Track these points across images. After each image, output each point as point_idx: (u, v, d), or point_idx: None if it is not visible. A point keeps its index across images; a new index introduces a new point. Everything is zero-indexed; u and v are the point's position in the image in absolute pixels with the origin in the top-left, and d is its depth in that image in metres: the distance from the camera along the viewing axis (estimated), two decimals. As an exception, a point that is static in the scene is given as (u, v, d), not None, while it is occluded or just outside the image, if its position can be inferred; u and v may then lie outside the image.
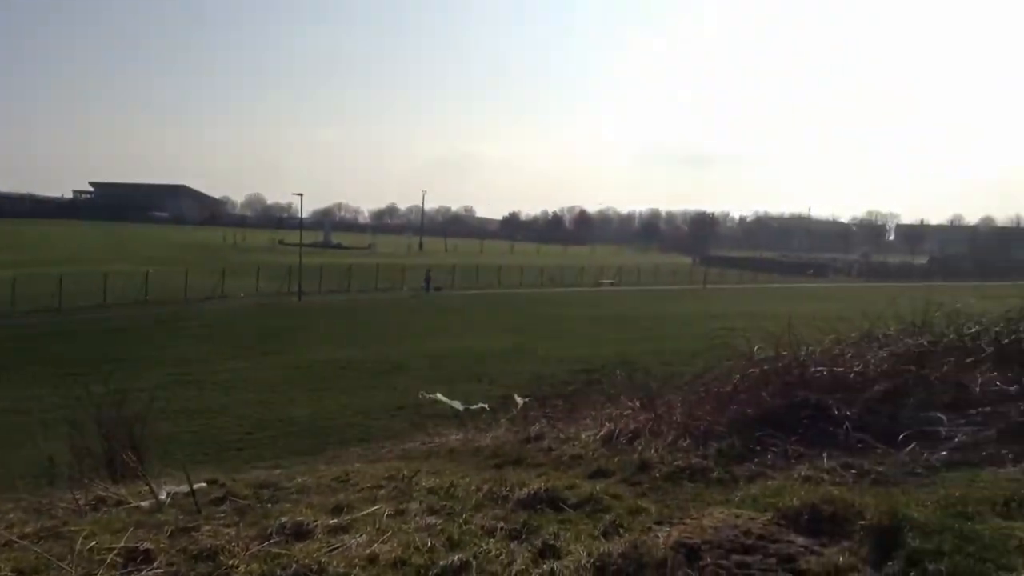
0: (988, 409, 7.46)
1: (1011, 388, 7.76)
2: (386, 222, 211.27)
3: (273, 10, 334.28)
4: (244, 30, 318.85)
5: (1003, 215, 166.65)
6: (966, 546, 3.83)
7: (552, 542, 4.04)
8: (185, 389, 23.00)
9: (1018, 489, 5.00)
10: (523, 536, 4.23)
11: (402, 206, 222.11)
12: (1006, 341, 8.83)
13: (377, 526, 4.47)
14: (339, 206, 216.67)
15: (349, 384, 22.79)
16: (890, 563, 3.75)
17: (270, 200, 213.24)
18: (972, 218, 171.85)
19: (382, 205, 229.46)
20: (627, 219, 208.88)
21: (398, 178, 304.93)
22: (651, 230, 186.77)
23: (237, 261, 68.43)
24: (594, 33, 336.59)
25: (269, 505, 5.31)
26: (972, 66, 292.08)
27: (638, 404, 9.56)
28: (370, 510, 4.85)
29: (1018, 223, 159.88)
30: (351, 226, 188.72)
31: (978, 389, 7.86)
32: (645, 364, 16.22)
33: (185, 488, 5.39)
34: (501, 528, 4.32)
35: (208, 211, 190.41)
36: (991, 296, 11.47)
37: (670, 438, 7.56)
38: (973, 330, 9.42)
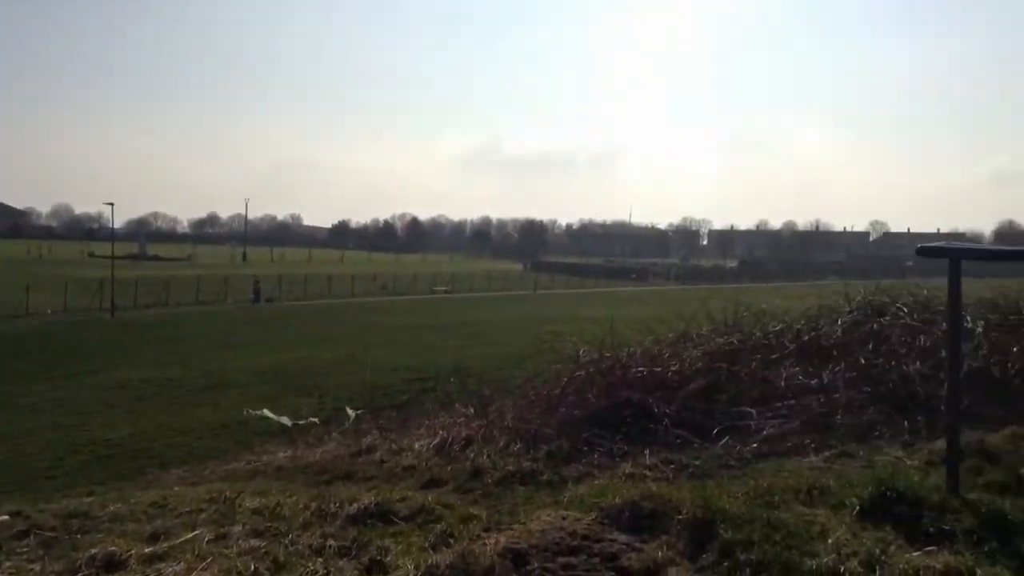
0: (792, 402, 8.02)
1: (812, 382, 8.38)
2: (207, 232, 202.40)
3: (79, 9, 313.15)
4: (43, 29, 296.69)
5: (803, 220, 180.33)
6: (773, 534, 4.10)
7: (380, 557, 4.00)
8: (-13, 414, 21.07)
9: (819, 477, 5.41)
10: (352, 553, 4.16)
11: (224, 215, 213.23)
12: (806, 338, 9.54)
13: (197, 553, 4.26)
14: (155, 215, 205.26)
15: (169, 403, 21.63)
16: (705, 555, 3.95)
17: (79, 210, 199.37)
18: (776, 223, 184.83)
19: (202, 214, 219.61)
20: (459, 226, 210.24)
21: (219, 186, 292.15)
22: (483, 237, 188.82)
23: (43, 275, 63.50)
24: (424, 35, 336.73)
25: (79, 536, 4.97)
26: (771, 79, 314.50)
27: (471, 411, 9.64)
28: (189, 536, 4.63)
29: (817, 227, 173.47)
30: (169, 237, 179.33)
31: (783, 384, 8.44)
32: (479, 370, 16.38)
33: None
34: (330, 546, 4.23)
35: (10, 222, 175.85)
36: (793, 296, 12.37)
37: (502, 443, 7.66)
38: (777, 328, 10.12)
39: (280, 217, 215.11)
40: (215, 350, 30.57)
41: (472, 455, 7.36)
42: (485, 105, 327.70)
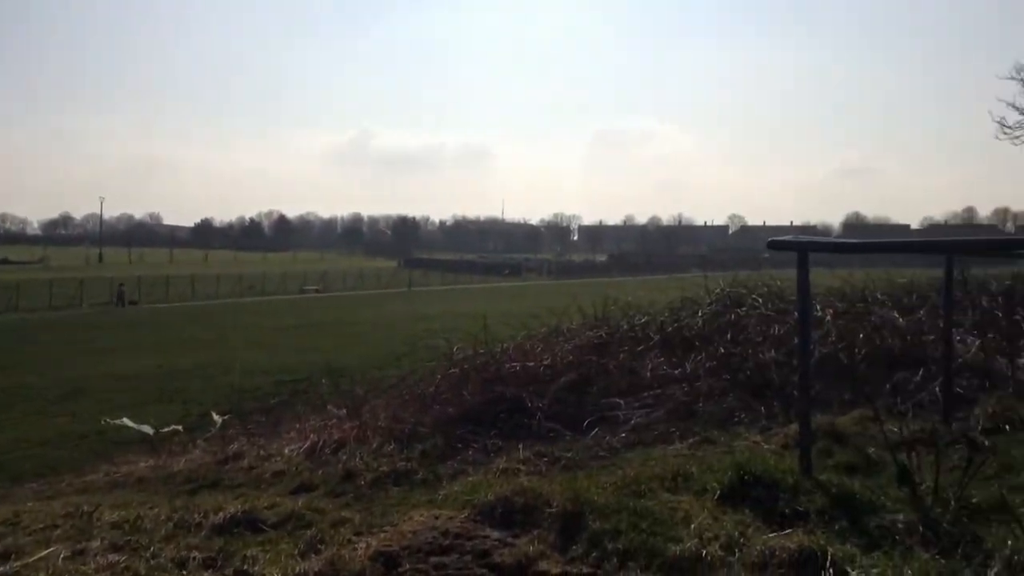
0: (658, 392, 8.30)
1: (676, 372, 8.70)
2: (60, 233, 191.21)
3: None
4: None
5: (667, 215, 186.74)
6: (640, 523, 4.22)
7: (246, 567, 3.90)
8: None
9: (683, 464, 5.61)
10: (218, 564, 4.03)
11: (77, 215, 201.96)
12: (670, 329, 9.90)
13: (51, 571, 4.03)
14: (3, 217, 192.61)
15: (22, 413, 20.26)
16: (575, 547, 4.03)
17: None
18: (642, 218, 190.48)
19: (54, 215, 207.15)
20: (329, 224, 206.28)
21: (71, 185, 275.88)
22: (354, 235, 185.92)
23: None
24: (283, 30, 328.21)
25: (-80, 562, 4.61)
26: (631, 80, 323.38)
27: (344, 412, 9.50)
28: (43, 553, 4.36)
29: (679, 222, 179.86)
30: (17, 238, 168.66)
31: (649, 374, 8.73)
32: (353, 371, 16.11)
33: None
34: (194, 558, 4.09)
35: None
36: (658, 289, 12.80)
37: (376, 444, 7.58)
38: (643, 321, 10.45)
39: (138, 216, 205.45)
40: (73, 357, 28.92)
41: (344, 458, 7.24)
42: (354, 100, 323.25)
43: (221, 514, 4.93)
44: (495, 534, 4.22)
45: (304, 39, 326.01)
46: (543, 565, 3.86)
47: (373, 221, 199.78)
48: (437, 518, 4.42)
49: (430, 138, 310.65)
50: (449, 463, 6.95)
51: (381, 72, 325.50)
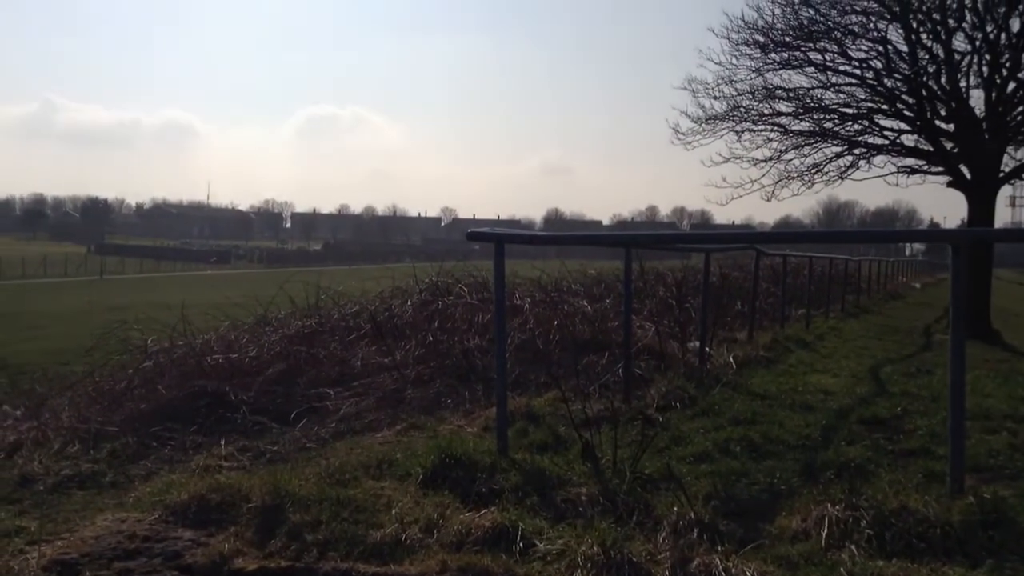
0: (368, 380, 8.37)
1: (386, 360, 8.81)
2: None
3: None
4: None
5: (382, 205, 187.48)
6: (341, 511, 4.25)
7: None
8: None
9: (389, 451, 5.71)
10: None
11: None
12: (381, 318, 10.01)
13: None
14: None
15: None
16: (273, 541, 3.97)
17: None
18: (357, 208, 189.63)
19: None
20: (6, 205, 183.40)
21: None
22: (36, 217, 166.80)
23: None
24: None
25: None
26: (337, 67, 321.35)
27: (20, 412, 8.61)
28: None
29: (394, 212, 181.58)
30: None
31: (360, 363, 8.77)
32: (32, 367, 14.57)
33: None
34: None
35: None
36: (371, 278, 12.83)
37: (57, 445, 6.95)
38: (355, 310, 10.48)
39: None
40: None
41: (20, 461, 6.56)
42: (33, 69, 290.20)
43: None
44: (188, 534, 4.04)
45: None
46: (239, 562, 3.75)
47: (59, 203, 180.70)
48: (124, 521, 4.14)
49: (123, 114, 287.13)
50: (142, 463, 6.52)
51: (68, 38, 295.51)
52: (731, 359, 9.45)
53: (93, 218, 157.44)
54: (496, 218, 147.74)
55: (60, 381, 10.71)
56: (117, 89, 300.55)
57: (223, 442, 6.74)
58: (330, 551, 3.86)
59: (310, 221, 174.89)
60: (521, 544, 3.92)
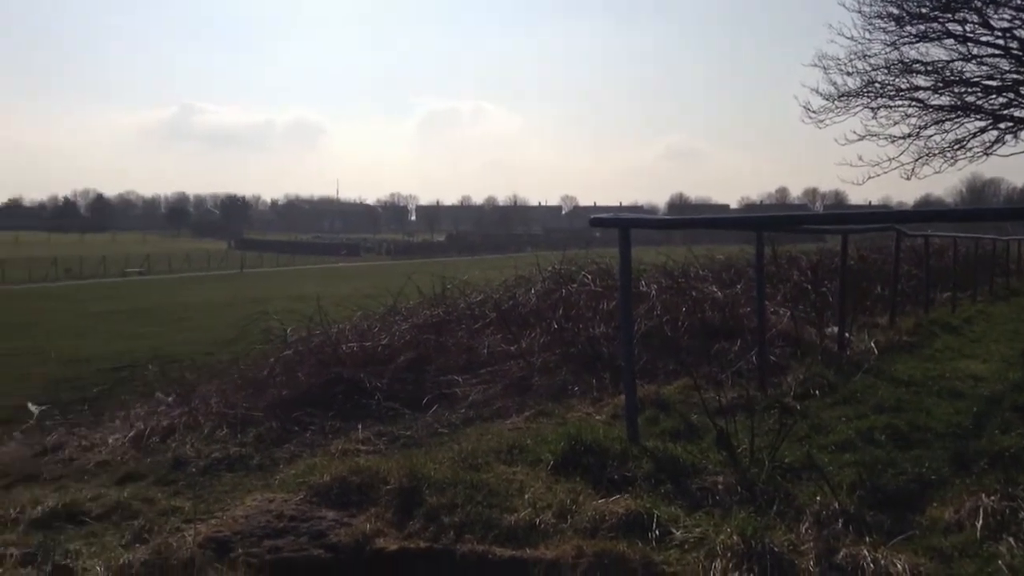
0: (495, 368, 8.47)
1: (512, 348, 8.89)
2: None
3: None
4: None
5: (502, 195, 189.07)
6: (476, 495, 4.32)
7: (66, 561, 3.71)
8: None
9: (519, 437, 5.76)
10: (37, 559, 3.81)
11: None
12: (505, 307, 10.09)
13: None
14: None
15: None
16: (412, 522, 4.08)
17: None
18: (478, 199, 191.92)
19: None
20: (152, 203, 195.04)
21: None
22: (180, 215, 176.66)
23: None
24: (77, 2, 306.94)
25: None
26: (461, 63, 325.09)
27: (172, 399, 9.14)
28: None
29: (515, 202, 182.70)
30: None
31: (486, 351, 8.88)
32: (182, 356, 15.46)
33: None
34: (11, 555, 3.84)
35: None
36: (494, 268, 13.00)
37: (207, 430, 7.35)
38: (479, 299, 10.61)
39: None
40: None
41: (174, 445, 6.97)
42: (174, 75, 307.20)
43: (39, 508, 4.68)
44: (331, 514, 4.20)
45: (119, 10, 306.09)
46: (380, 542, 3.89)
47: (200, 200, 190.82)
48: (271, 501, 4.35)
49: (258, 115, 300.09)
50: (285, 447, 6.83)
51: (202, 46, 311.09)
52: (872, 344, 9.05)
53: (232, 215, 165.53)
54: (618, 205, 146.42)
55: (208, 369, 11.33)
56: (250, 91, 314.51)
57: (359, 427, 6.98)
58: (466, 533, 3.93)
59: (433, 213, 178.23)
60: (657, 532, 3.89)
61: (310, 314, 10.38)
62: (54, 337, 23.89)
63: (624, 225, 5.56)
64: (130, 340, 22.47)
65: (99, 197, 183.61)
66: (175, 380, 10.47)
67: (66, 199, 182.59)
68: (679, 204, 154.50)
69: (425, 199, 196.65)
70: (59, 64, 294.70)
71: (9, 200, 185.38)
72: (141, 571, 3.44)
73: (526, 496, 4.31)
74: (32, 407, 11.07)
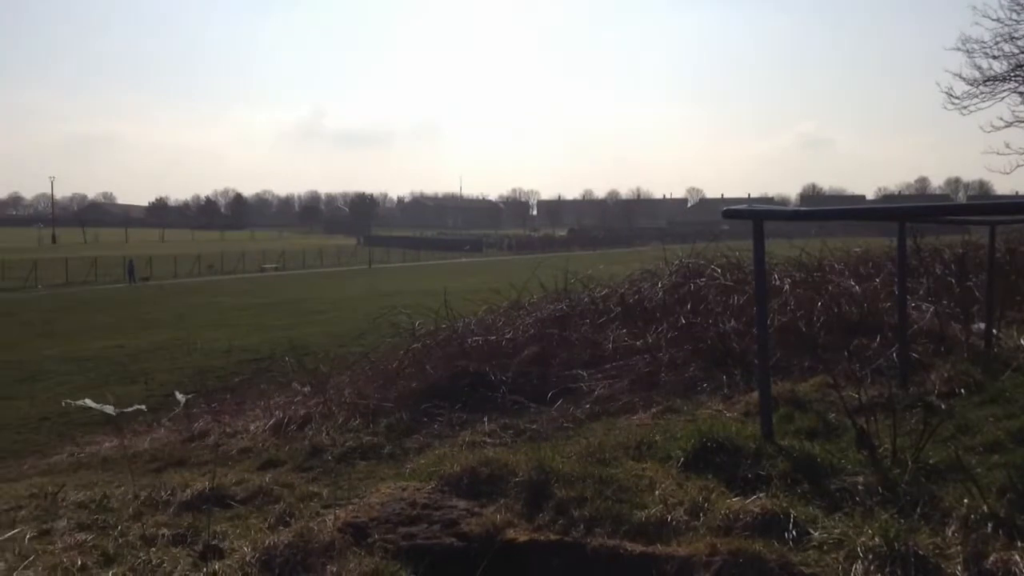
0: (620, 362, 8.38)
1: (637, 343, 8.78)
2: (11, 214, 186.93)
3: None
4: None
5: (625, 189, 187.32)
6: (605, 490, 4.29)
7: (216, 542, 3.90)
8: None
9: (647, 433, 5.68)
10: (187, 540, 4.03)
11: (28, 195, 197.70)
12: (631, 301, 9.98)
13: (17, 552, 4.00)
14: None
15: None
16: (541, 514, 4.09)
17: None
18: (600, 193, 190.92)
19: (2, 195, 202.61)
20: (286, 202, 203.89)
21: (19, 163, 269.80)
22: (312, 212, 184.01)
23: None
24: (235, 7, 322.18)
25: None
26: (580, 54, 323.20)
27: (308, 389, 9.49)
28: (9, 535, 4.32)
29: (638, 196, 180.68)
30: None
31: (611, 345, 8.81)
32: (316, 348, 16.06)
33: None
34: (163, 535, 4.07)
35: None
36: (618, 262, 12.89)
37: (341, 419, 7.59)
38: (604, 293, 10.53)
39: (91, 196, 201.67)
40: (25, 339, 28.38)
41: (311, 433, 7.25)
42: (306, 78, 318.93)
43: (188, 491, 4.92)
44: (462, 504, 4.26)
45: (257, 16, 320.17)
46: (510, 533, 3.91)
47: (331, 199, 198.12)
48: (404, 490, 4.44)
49: (386, 114, 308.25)
50: (415, 437, 6.98)
51: (332, 48, 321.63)
52: (1022, 342, 8.48)
53: (361, 212, 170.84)
54: (747, 196, 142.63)
55: (340, 361, 11.73)
56: (378, 91, 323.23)
57: (485, 419, 7.06)
58: (596, 528, 3.91)
59: (555, 208, 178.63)
60: (794, 532, 3.76)
61: (436, 308, 10.57)
62: (199, 330, 25.26)
63: (758, 216, 5.38)
64: (267, 332, 23.50)
65: (238, 196, 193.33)
66: (310, 371, 10.88)
67: (207, 199, 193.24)
68: (812, 195, 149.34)
69: (547, 194, 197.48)
70: (204, 70, 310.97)
71: (156, 200, 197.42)
72: (285, 553, 3.57)
73: (656, 492, 4.25)
74: (179, 396, 11.73)
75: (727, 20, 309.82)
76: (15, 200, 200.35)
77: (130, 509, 4.75)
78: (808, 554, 3.61)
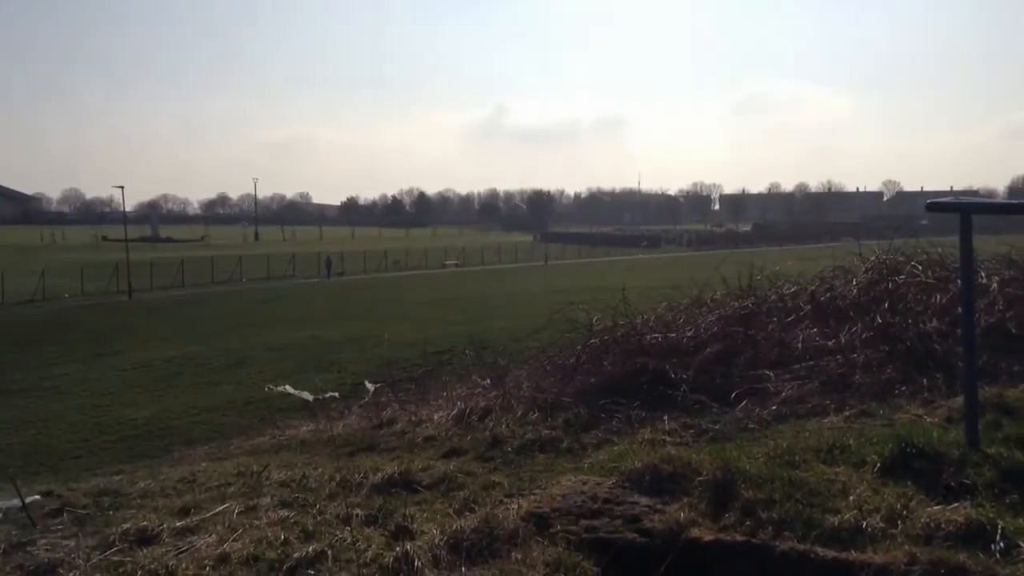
0: (810, 363, 8.01)
1: (829, 343, 8.36)
2: (218, 212, 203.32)
3: (82, 2, 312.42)
4: (48, 21, 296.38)
5: (815, 182, 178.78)
6: (794, 493, 4.13)
7: (406, 524, 4.07)
8: (12, 398, 21.43)
9: (839, 436, 5.42)
10: (379, 520, 4.23)
11: (234, 195, 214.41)
12: (822, 299, 9.51)
13: (227, 524, 4.34)
14: (165, 198, 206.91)
15: (191, 381, 21.85)
16: (727, 514, 4.00)
17: (89, 195, 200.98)
18: (788, 186, 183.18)
19: (212, 195, 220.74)
20: (466, 200, 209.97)
21: (226, 166, 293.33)
22: (490, 210, 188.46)
23: (58, 260, 64.10)
24: (413, 11, 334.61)
25: (110, 513, 5.04)
26: (773, 43, 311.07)
27: (488, 382, 9.69)
28: (219, 509, 4.70)
29: (829, 189, 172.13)
30: (180, 218, 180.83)
31: (800, 345, 8.43)
32: (494, 342, 16.45)
33: (17, 503, 5.03)
34: (356, 515, 4.30)
35: (21, 209, 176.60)
36: (807, 258, 12.29)
37: (519, 412, 7.70)
38: (792, 290, 10.09)
39: (289, 196, 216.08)
40: (232, 329, 30.78)
41: (491, 424, 7.40)
42: (488, 77, 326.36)
43: (379, 475, 5.15)
44: (644, 500, 4.22)
45: (440, 17, 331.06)
46: (695, 532, 3.85)
47: (509, 196, 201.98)
48: (585, 483, 4.47)
49: (564, 111, 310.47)
50: (592, 432, 6.98)
51: (514, 47, 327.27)
52: None
53: (537, 209, 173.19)
54: (949, 189, 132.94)
55: (518, 355, 11.93)
56: (558, 89, 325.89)
57: (665, 418, 6.94)
58: (785, 531, 3.79)
59: (738, 202, 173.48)
60: (1001, 544, 3.50)
61: (613, 304, 10.52)
62: (385, 323, 26.43)
63: (966, 210, 4.99)
64: (448, 326, 24.28)
65: (422, 195, 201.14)
66: (489, 364, 11.13)
67: (394, 197, 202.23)
68: (1022, 188, 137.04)
69: (729, 188, 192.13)
70: (393, 73, 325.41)
71: (347, 199, 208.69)
72: (471, 537, 3.69)
73: (850, 498, 4.05)
74: (369, 385, 12.35)
75: (925, 7, 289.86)
76: (223, 200, 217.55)
77: (327, 490, 5.05)
78: (1017, 568, 3.36)
